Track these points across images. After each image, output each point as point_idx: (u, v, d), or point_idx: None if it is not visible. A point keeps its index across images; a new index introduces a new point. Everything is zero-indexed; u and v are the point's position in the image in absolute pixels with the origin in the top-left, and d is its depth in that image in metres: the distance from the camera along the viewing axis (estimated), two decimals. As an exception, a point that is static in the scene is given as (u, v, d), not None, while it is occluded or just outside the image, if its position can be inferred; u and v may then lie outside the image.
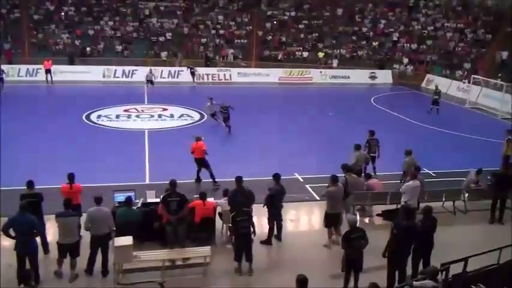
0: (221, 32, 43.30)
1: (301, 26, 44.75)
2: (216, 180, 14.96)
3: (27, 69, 34.88)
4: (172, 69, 37.20)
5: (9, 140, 18.52)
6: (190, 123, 23.34)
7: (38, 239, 10.13)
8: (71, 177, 11.19)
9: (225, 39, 42.71)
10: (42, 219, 10.66)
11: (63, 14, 42.22)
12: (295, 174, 16.14)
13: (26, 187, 10.79)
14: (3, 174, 15.12)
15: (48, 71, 33.20)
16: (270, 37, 43.49)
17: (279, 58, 41.47)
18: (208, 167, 15.09)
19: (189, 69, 35.83)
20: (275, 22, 44.81)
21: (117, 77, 35.66)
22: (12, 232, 9.40)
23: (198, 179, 15.24)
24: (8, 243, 9.66)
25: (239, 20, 44.76)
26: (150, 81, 31.30)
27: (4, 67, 31.74)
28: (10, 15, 40.93)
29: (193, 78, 35.65)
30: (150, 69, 32.49)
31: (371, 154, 15.99)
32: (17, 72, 34.30)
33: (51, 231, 10.88)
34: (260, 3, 45.66)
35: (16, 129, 20.41)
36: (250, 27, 43.92)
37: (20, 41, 39.07)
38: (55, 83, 33.05)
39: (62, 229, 9.82)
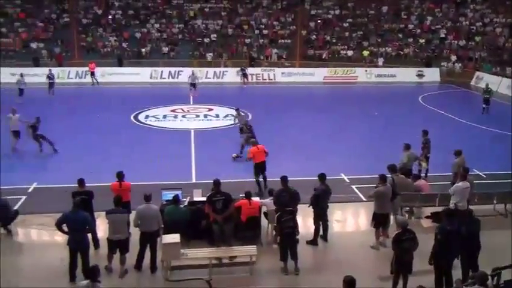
0: (265, 32, 43.43)
1: (345, 24, 44.34)
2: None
3: (77, 71, 36.04)
4: (217, 69, 37.56)
5: (60, 139, 19.17)
6: (236, 123, 23.42)
7: (89, 235, 10.45)
8: (121, 176, 11.47)
9: (268, 39, 42.80)
10: (93, 216, 10.95)
11: (110, 17, 43.40)
12: (341, 174, 15.97)
13: (77, 185, 11.17)
14: (56, 172, 15.73)
15: (92, 74, 34.26)
16: (314, 36, 43.26)
17: (323, 57, 41.18)
18: (265, 171, 14.76)
19: (241, 71, 35.88)
20: (319, 21, 44.55)
21: (164, 78, 36.31)
22: (65, 228, 9.75)
23: (260, 186, 14.55)
24: (60, 238, 9.99)
25: (283, 19, 44.77)
26: (192, 84, 30.52)
27: (54, 70, 32.89)
28: (60, 20, 42.47)
29: (245, 79, 35.61)
30: (192, 71, 32.57)
31: (427, 155, 15.62)
32: (67, 75, 35.53)
33: (102, 227, 11.19)
34: (304, 2, 45.50)
35: (67, 129, 21.16)
36: (294, 26, 43.80)
37: (69, 45, 40.42)
38: (105, 85, 34.00)
39: (112, 226, 10.09)
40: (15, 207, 12.77)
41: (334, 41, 42.96)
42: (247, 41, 42.31)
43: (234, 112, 21.73)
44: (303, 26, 43.67)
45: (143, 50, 40.24)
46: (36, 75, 33.19)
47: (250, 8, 45.65)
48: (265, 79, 37.21)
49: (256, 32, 43.32)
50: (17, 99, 24.95)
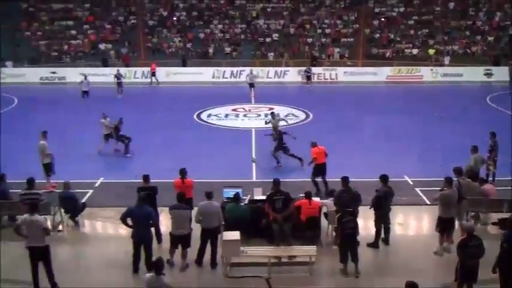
0: (327, 31, 43.03)
1: (410, 22, 43.09)
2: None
3: (143, 71, 37.17)
4: (279, 69, 37.58)
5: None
6: (295, 123, 23.44)
7: (153, 229, 10.79)
8: (183, 173, 11.74)
9: (331, 38, 42.38)
10: (157, 211, 11.30)
11: (175, 19, 44.48)
12: (405, 176, 15.56)
13: (142, 180, 11.56)
14: (121, 168, 16.34)
15: (153, 74, 35.25)
16: (378, 35, 42.40)
17: (386, 56, 40.28)
18: (325, 174, 14.53)
19: (305, 73, 35.35)
20: (383, 19, 43.61)
21: (226, 78, 36.77)
22: (129, 221, 10.11)
23: (318, 186, 14.35)
24: (124, 231, 10.37)
25: (345, 18, 44.17)
26: (251, 84, 30.18)
27: (122, 70, 34.22)
28: (127, 22, 44.03)
29: (308, 80, 35.08)
30: (251, 70, 32.54)
31: (495, 158, 14.96)
32: (133, 74, 36.79)
33: (165, 222, 11.50)
34: (367, 0, 44.71)
35: (134, 127, 21.87)
36: (357, 25, 43.14)
37: (136, 46, 41.79)
38: (169, 84, 34.93)
39: (174, 221, 10.37)
40: (83, 200, 13.39)
41: (398, 39, 41.90)
42: (309, 40, 42.09)
43: (268, 116, 20.32)
44: (366, 25, 42.91)
45: (209, 50, 40.94)
46: (104, 75, 34.76)
47: (312, 7, 45.37)
48: (327, 78, 36.85)
49: (319, 31, 43.02)
50: (82, 100, 25.79)
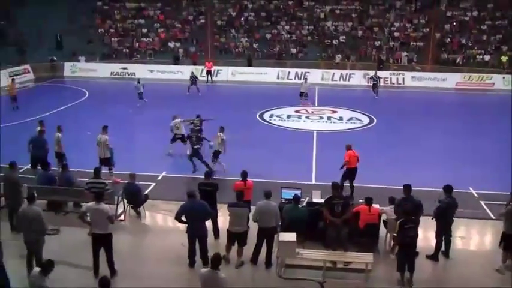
0: (396, 34, 42.05)
1: (483, 27, 41.29)
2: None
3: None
4: (344, 72, 37.13)
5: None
6: (359, 127, 23.12)
7: (209, 224, 10.95)
8: (245, 175, 11.77)
9: (399, 41, 41.39)
10: (216, 207, 11.47)
11: (243, 19, 44.98)
12: (470, 188, 14.95)
13: (204, 177, 11.80)
14: (182, 163, 16.71)
15: (208, 72, 35.80)
16: (449, 39, 40.93)
17: (457, 62, 38.81)
18: (354, 179, 14.41)
19: (372, 80, 31.64)
20: (455, 23, 42.05)
21: (290, 79, 36.73)
22: (184, 218, 10.31)
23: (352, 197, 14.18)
24: (184, 225, 10.58)
25: (416, 21, 42.98)
26: (303, 93, 27.90)
27: (188, 68, 35.50)
28: (196, 21, 45.01)
29: (374, 89, 31.07)
30: (305, 79, 31.16)
31: None
32: (199, 73, 37.49)
33: (223, 219, 11.65)
34: (439, 3, 43.21)
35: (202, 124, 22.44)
36: (427, 29, 41.84)
37: (204, 45, 42.64)
38: (234, 83, 35.46)
39: (232, 218, 10.50)
40: (146, 192, 13.81)
41: (470, 44, 40.25)
42: (377, 43, 41.33)
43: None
44: (437, 29, 41.53)
45: (275, 50, 41.12)
46: (173, 73, 35.83)
47: (382, 9, 44.52)
48: (394, 83, 36.01)
49: (387, 34, 42.15)
50: (139, 102, 26.46)
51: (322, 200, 11.36)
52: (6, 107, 25.41)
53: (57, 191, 13.02)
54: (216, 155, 16.11)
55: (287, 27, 43.80)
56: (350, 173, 14.38)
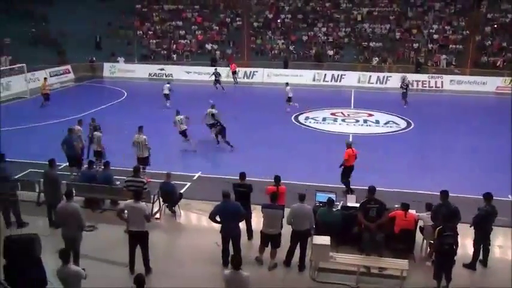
0: (435, 36, 41.30)
1: (526, 30, 40.13)
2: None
3: (245, 71, 38.14)
4: (381, 74, 36.70)
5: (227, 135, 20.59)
6: (395, 131, 22.79)
7: (243, 225, 10.99)
8: (278, 180, 11.65)
9: (438, 44, 40.61)
10: (250, 208, 11.51)
11: (279, 21, 45.00)
12: (510, 196, 14.51)
13: (238, 177, 11.84)
14: (219, 164, 16.84)
15: (234, 73, 36.08)
16: (489, 42, 39.89)
17: (497, 65, 37.71)
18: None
19: (402, 87, 29.16)
20: (495, 25, 40.94)
21: (327, 81, 36.56)
22: (218, 218, 10.36)
23: (348, 188, 14.63)
24: (218, 225, 10.64)
25: (455, 23, 42.13)
26: (290, 99, 26.46)
27: (224, 70, 35.95)
28: (233, 23, 45.33)
29: (404, 99, 28.45)
30: (286, 83, 29.04)
31: None
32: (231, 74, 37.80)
33: (256, 220, 11.67)
34: (480, 5, 42.16)
35: (234, 125, 22.55)
36: (467, 31, 40.91)
37: (240, 46, 42.87)
38: (270, 85, 35.49)
39: (266, 220, 10.51)
40: (181, 191, 13.94)
41: (511, 47, 39.14)
42: (415, 45, 40.68)
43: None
44: (477, 31, 40.49)
45: (311, 52, 40.98)
46: (208, 74, 35.93)
47: (421, 11, 43.81)
48: (432, 86, 35.32)
49: (426, 36, 41.41)
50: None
51: (357, 204, 11.24)
52: (46, 105, 26.29)
53: (95, 188, 13.34)
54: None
55: (324, 29, 43.60)
56: (350, 171, 14.71)
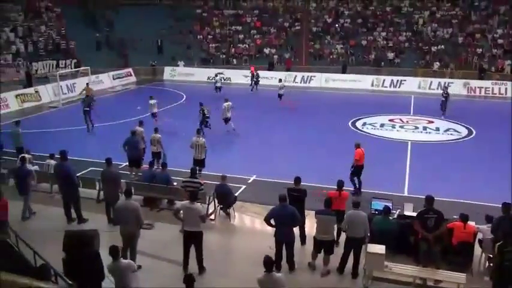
0: (499, 41, 39.64)
1: None
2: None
3: (302, 76, 38.12)
4: (442, 80, 35.51)
5: (282, 137, 20.65)
6: (456, 139, 22.04)
7: (296, 230, 10.97)
8: (341, 185, 11.59)
9: (503, 49, 38.94)
10: (303, 213, 11.44)
11: (338, 26, 44.61)
12: None
13: (293, 182, 11.83)
14: (274, 168, 16.88)
15: (252, 76, 36.10)
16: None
17: None
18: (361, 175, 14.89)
19: (445, 95, 26.95)
20: None
21: (385, 87, 35.96)
22: (272, 221, 10.39)
23: (357, 187, 14.85)
24: (271, 229, 10.68)
25: (523, 27, 40.35)
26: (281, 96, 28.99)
27: (282, 74, 36.35)
28: (292, 28, 45.38)
29: (443, 109, 26.47)
30: (279, 79, 31.97)
31: None
32: (293, 79, 37.84)
33: (310, 225, 11.60)
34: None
35: (291, 128, 22.65)
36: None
37: (298, 51, 42.85)
38: (328, 90, 35.36)
39: (319, 226, 10.45)
40: (236, 194, 14.10)
41: None
42: (479, 50, 39.20)
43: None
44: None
45: (371, 57, 40.43)
46: (266, 78, 36.39)
47: (484, 15, 42.19)
48: (495, 93, 33.84)
49: (490, 41, 39.82)
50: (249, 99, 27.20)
51: (415, 214, 10.97)
52: (107, 106, 27.29)
53: (153, 188, 13.74)
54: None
55: (383, 34, 42.86)
56: (359, 170, 14.84)
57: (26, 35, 38.71)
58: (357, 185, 14.85)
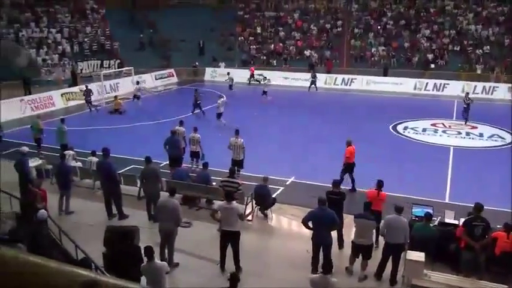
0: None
1: None
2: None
3: (343, 78, 37.78)
4: (487, 84, 34.52)
5: (320, 141, 20.53)
6: (501, 145, 21.35)
7: (334, 234, 10.88)
8: (380, 185, 11.43)
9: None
10: (342, 216, 11.33)
11: (380, 27, 43.94)
12: None
13: (331, 185, 11.74)
14: (312, 170, 16.80)
15: (251, 76, 36.68)
16: None
17: None
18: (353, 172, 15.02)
19: (467, 101, 25.12)
20: None
21: (428, 90, 35.22)
22: (310, 224, 10.33)
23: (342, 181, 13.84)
24: (308, 231, 10.61)
25: None
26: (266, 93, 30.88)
27: (323, 75, 36.55)
28: (333, 29, 45.03)
29: (463, 114, 25.27)
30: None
31: None
32: (333, 81, 37.59)
33: (348, 229, 11.47)
34: None
35: (330, 132, 22.45)
36: None
37: (339, 52, 42.47)
38: (369, 93, 34.99)
39: (358, 230, 10.32)
40: (274, 195, 14.11)
41: None
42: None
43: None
44: None
45: (414, 60, 39.68)
46: (306, 80, 36.18)
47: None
48: (546, 99, 32.62)
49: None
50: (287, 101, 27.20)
51: (456, 221, 10.70)
52: (149, 106, 27.70)
53: (193, 187, 13.90)
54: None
55: (427, 32, 41.91)
56: (350, 168, 15.06)
57: (72, 35, 39.91)
58: (342, 180, 13.98)
